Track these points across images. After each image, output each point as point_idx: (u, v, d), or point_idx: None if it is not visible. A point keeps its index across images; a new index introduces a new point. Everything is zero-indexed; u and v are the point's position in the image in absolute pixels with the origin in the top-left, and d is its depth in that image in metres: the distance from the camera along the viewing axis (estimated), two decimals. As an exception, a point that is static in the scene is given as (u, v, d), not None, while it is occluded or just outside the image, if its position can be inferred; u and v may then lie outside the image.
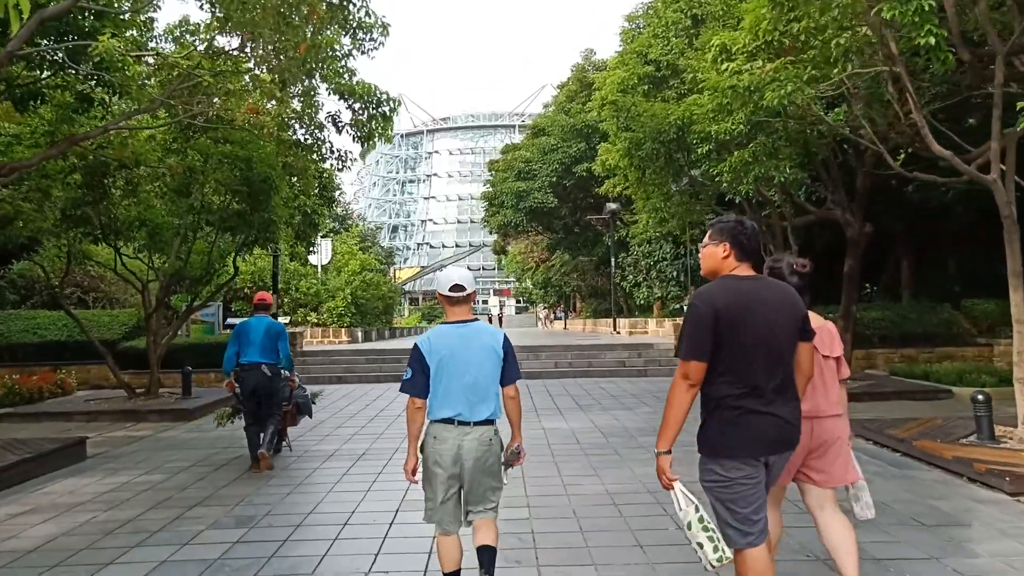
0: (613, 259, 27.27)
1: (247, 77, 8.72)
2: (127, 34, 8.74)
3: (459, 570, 3.39)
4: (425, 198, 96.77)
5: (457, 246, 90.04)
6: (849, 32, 6.83)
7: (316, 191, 14.91)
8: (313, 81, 9.29)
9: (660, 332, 21.11)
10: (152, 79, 8.74)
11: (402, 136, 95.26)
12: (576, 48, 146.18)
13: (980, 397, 6.64)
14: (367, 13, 8.91)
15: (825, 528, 3.31)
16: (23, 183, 9.88)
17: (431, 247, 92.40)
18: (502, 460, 3.46)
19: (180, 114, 8.77)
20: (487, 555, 3.38)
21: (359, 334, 24.84)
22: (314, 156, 11.34)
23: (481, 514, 3.41)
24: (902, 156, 8.26)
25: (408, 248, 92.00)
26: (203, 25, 8.66)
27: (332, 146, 11.28)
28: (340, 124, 10.32)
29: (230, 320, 19.21)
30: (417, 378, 3.36)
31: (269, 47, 7.73)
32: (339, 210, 41.26)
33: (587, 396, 11.79)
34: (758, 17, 7.75)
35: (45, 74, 8.54)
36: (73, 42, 7.75)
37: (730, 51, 8.33)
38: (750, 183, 10.28)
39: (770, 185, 10.91)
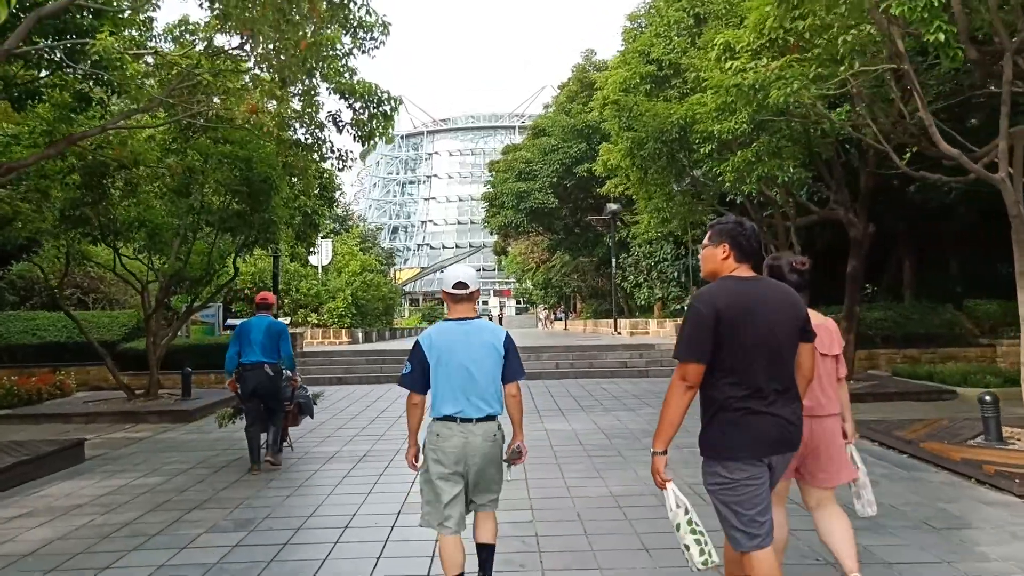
0: (614, 259, 27.21)
1: (247, 77, 8.67)
2: (126, 33, 8.69)
3: (462, 574, 3.33)
4: (425, 199, 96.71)
5: (457, 247, 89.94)
6: (855, 30, 6.76)
7: (316, 191, 14.87)
8: (313, 80, 9.22)
9: (661, 332, 21.07)
10: (151, 79, 8.69)
11: (402, 137, 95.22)
12: (576, 49, 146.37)
13: (988, 398, 6.57)
14: (368, 11, 8.83)
15: (822, 523, 3.35)
16: (21, 183, 9.83)
17: (431, 248, 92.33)
18: (504, 458, 3.47)
19: (179, 113, 8.71)
20: (486, 553, 3.45)
21: (359, 335, 24.77)
22: (314, 156, 11.28)
23: (484, 507, 3.45)
24: (908, 155, 8.19)
25: (408, 249, 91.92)
26: (203, 24, 8.60)
27: (332, 146, 11.22)
28: (341, 124, 10.24)
29: (230, 321, 19.12)
30: (415, 373, 3.39)
31: (269, 45, 7.66)
32: (339, 211, 41.19)
33: (589, 397, 11.73)
34: (763, 15, 7.69)
35: (43, 73, 8.48)
36: (71, 41, 7.69)
37: (734, 49, 8.27)
38: (753, 183, 10.23)
39: (773, 185, 10.86)
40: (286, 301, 25.13)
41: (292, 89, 9.24)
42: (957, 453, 6.11)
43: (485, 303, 73.42)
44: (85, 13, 8.01)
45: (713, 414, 2.73)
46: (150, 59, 8.62)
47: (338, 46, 8.89)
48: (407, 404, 3.46)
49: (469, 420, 3.32)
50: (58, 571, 4.21)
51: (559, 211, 30.55)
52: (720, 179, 11.14)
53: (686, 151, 12.37)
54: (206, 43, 8.57)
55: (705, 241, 2.93)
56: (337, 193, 22.20)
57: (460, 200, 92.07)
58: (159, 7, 8.94)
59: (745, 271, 2.81)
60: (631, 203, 20.26)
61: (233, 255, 12.64)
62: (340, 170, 12.12)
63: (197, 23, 9.03)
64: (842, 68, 7.15)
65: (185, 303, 13.27)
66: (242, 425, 7.03)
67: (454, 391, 3.32)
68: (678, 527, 2.74)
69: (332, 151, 11.17)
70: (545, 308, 52.38)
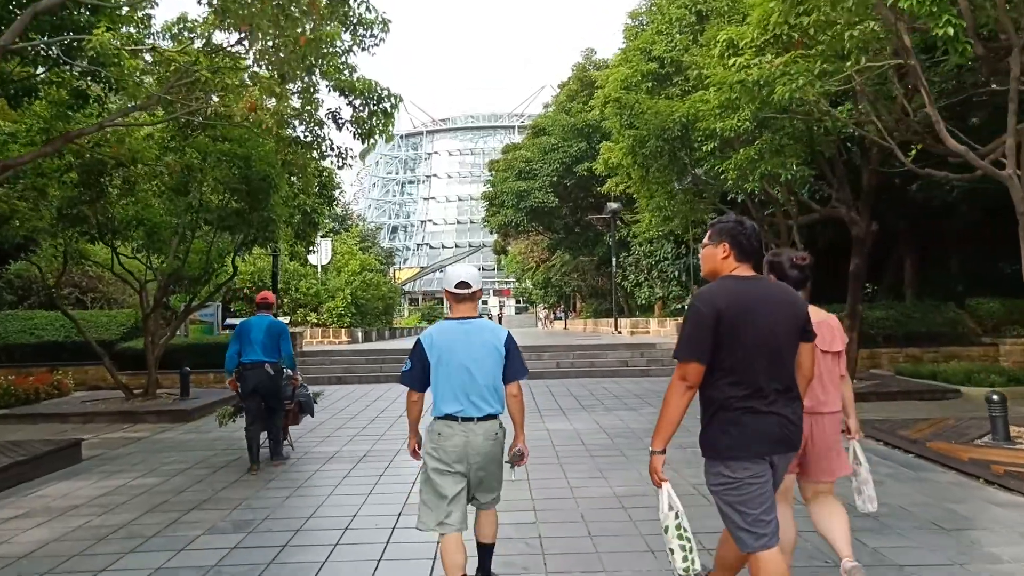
0: (614, 259, 27.15)
1: (246, 74, 8.59)
2: (124, 31, 8.61)
3: None
4: (425, 199, 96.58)
5: (457, 247, 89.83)
6: (861, 25, 6.69)
7: (316, 190, 14.79)
8: (313, 77, 9.13)
9: (662, 332, 21.00)
10: (149, 76, 8.62)
11: (402, 137, 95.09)
12: (576, 48, 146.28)
13: (995, 397, 6.50)
14: (368, 8, 8.75)
15: (818, 514, 3.44)
16: (18, 182, 9.76)
17: (431, 248, 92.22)
18: (506, 459, 3.48)
19: (178, 111, 8.63)
20: (485, 552, 3.55)
21: (359, 334, 24.70)
22: (314, 154, 11.20)
23: (485, 505, 3.50)
24: (912, 152, 8.12)
25: (408, 249, 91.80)
26: (201, 20, 8.52)
27: (332, 143, 11.13)
28: (340, 121, 10.15)
29: (229, 320, 19.06)
30: (415, 371, 3.43)
31: (268, 41, 7.58)
32: (339, 210, 41.11)
33: (590, 396, 11.66)
34: (767, 11, 7.62)
35: (40, 70, 8.40)
36: (68, 37, 7.62)
37: (737, 46, 8.20)
38: (756, 181, 10.17)
39: (775, 183, 10.79)
40: (285, 300, 25.07)
41: (291, 86, 9.15)
42: (965, 453, 6.04)
43: (485, 303, 73.34)
44: (82, 9, 7.94)
45: (713, 414, 2.72)
46: (148, 56, 8.55)
47: (338, 43, 8.82)
48: (407, 400, 3.53)
49: (470, 419, 3.33)
50: (54, 573, 4.14)
51: (559, 210, 30.49)
52: (722, 177, 11.08)
53: (688, 149, 12.31)
54: (204, 40, 8.49)
55: (705, 240, 2.92)
56: (337, 192, 22.14)
57: (460, 200, 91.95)
58: (157, 4, 8.85)
59: (745, 270, 2.81)
60: (632, 202, 20.20)
61: (232, 254, 12.57)
62: (340, 168, 12.05)
63: (196, 20, 8.95)
64: (848, 64, 7.08)
65: (183, 302, 13.19)
66: (241, 424, 6.99)
67: (454, 390, 3.34)
68: (666, 529, 2.75)
69: (332, 149, 11.09)
70: (545, 307, 52.32)
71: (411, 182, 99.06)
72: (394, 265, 67.25)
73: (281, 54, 7.78)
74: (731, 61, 8.00)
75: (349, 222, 48.22)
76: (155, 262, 11.93)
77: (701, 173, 12.62)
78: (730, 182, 10.91)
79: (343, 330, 24.56)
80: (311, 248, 22.60)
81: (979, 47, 6.71)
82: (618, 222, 26.51)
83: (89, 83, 8.73)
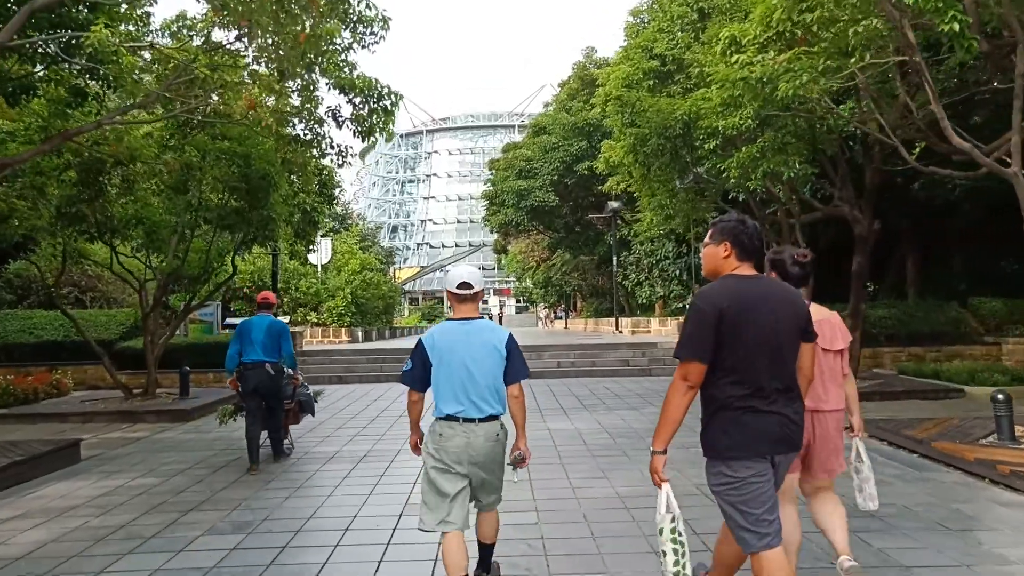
0: (615, 258, 27.09)
1: (245, 72, 8.54)
2: (122, 28, 8.56)
3: None
4: (425, 198, 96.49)
5: (457, 246, 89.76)
6: (865, 22, 6.64)
7: (316, 188, 14.74)
8: (313, 75, 9.08)
9: (663, 331, 20.96)
10: (148, 73, 8.56)
11: (402, 136, 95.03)
12: (577, 47, 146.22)
13: (1000, 397, 6.45)
14: (368, 5, 8.69)
15: (818, 510, 3.47)
16: (17, 180, 9.71)
17: (431, 247, 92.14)
18: (508, 462, 3.46)
19: (177, 109, 8.59)
20: (486, 551, 3.59)
21: (359, 334, 24.66)
22: (314, 152, 11.14)
23: (487, 506, 3.52)
24: (917, 150, 8.08)
25: (408, 248, 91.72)
26: (200, 17, 8.47)
27: (332, 141, 11.08)
28: (340, 119, 10.09)
29: (229, 320, 19.02)
30: (416, 371, 3.42)
31: (267, 39, 7.53)
32: (339, 209, 41.07)
33: (591, 396, 11.62)
34: (770, 7, 7.57)
35: (38, 68, 8.35)
36: (66, 34, 7.57)
37: (740, 43, 8.15)
38: (758, 179, 10.12)
39: (777, 181, 10.75)
40: (285, 300, 25.02)
41: (291, 84, 9.10)
42: (970, 453, 5.99)
43: (485, 302, 73.25)
44: (80, 6, 7.89)
45: (713, 413, 2.71)
46: (147, 54, 8.50)
47: (337, 40, 8.76)
48: (408, 400, 3.54)
49: (471, 420, 3.32)
50: (52, 574, 4.09)
51: (560, 209, 30.44)
52: (724, 175, 11.03)
53: (689, 147, 12.26)
54: (204, 38, 8.44)
55: (706, 239, 2.91)
56: (337, 191, 22.10)
57: (460, 199, 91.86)
58: (156, 2, 8.81)
59: (747, 270, 2.81)
60: (632, 201, 20.14)
61: (231, 253, 12.52)
62: (340, 166, 12.00)
63: (195, 17, 8.90)
64: (852, 61, 7.03)
65: (183, 301, 13.14)
66: (241, 424, 6.96)
67: (455, 391, 3.33)
68: (661, 531, 2.74)
69: (332, 147, 11.03)
70: (545, 307, 52.26)
71: (411, 181, 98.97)
72: (394, 264, 67.23)
73: (280, 51, 7.73)
74: (734, 58, 7.95)
75: (349, 221, 48.18)
76: (154, 261, 11.88)
77: (703, 171, 12.57)
78: (732, 180, 10.86)
79: (343, 329, 24.52)
80: (311, 247, 22.58)
81: (984, 44, 6.65)
82: (619, 221, 26.45)
83: (87, 81, 8.68)
